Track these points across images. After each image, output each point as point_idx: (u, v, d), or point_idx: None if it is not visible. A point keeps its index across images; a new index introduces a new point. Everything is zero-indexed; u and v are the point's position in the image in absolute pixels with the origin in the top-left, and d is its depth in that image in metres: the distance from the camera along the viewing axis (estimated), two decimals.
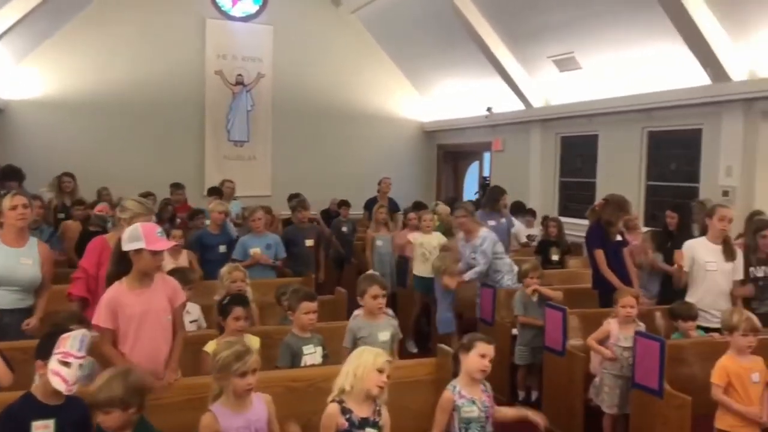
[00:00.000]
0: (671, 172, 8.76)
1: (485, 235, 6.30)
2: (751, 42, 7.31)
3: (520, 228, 8.93)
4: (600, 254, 5.97)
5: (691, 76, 7.91)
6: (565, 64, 9.69)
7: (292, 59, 12.50)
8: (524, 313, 5.59)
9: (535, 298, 5.54)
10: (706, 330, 4.71)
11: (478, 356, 3.33)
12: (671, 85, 8.24)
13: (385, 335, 4.10)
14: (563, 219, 9.18)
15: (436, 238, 7.14)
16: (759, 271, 5.10)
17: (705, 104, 7.94)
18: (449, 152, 13.98)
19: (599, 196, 7.57)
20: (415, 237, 7.11)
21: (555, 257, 7.40)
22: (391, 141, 13.70)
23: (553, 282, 6.78)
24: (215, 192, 9.04)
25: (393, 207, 9.90)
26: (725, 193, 7.72)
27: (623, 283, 5.66)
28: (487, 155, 12.98)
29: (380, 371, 3.10)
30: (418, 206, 8.87)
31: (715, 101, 7.78)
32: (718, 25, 7.35)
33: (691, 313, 4.74)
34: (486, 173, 13.19)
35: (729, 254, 4.98)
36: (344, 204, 9.60)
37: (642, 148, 9.12)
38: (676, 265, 5.20)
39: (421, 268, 7.12)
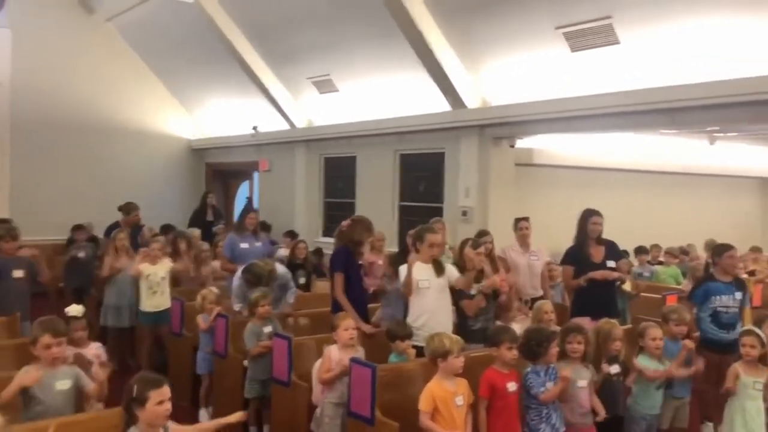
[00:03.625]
0: (419, 192, 9.19)
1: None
2: (483, 74, 7.90)
3: None
4: (339, 278, 5.78)
5: (435, 102, 8.37)
6: (323, 86, 9.78)
7: (36, 67, 11.25)
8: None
9: (267, 329, 5.33)
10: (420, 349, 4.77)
11: (156, 405, 3.00)
12: (419, 110, 8.64)
13: (64, 384, 3.61)
14: (326, 239, 9.17)
15: (164, 268, 6.60)
16: (473, 289, 5.34)
17: (446, 129, 8.44)
18: (218, 171, 13.50)
19: None
20: (143, 267, 6.52)
21: (302, 280, 7.27)
22: (155, 158, 12.89)
23: (301, 306, 6.66)
24: None
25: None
26: (464, 213, 8.24)
27: (358, 308, 5.62)
28: (256, 175, 12.73)
29: None
30: (166, 229, 8.32)
31: (454, 126, 8.31)
32: (456, 57, 7.87)
33: (407, 332, 4.77)
34: (256, 193, 12.92)
35: (438, 270, 5.16)
36: (79, 228, 8.71)
37: (395, 169, 9.48)
38: None
39: (147, 303, 6.55)
